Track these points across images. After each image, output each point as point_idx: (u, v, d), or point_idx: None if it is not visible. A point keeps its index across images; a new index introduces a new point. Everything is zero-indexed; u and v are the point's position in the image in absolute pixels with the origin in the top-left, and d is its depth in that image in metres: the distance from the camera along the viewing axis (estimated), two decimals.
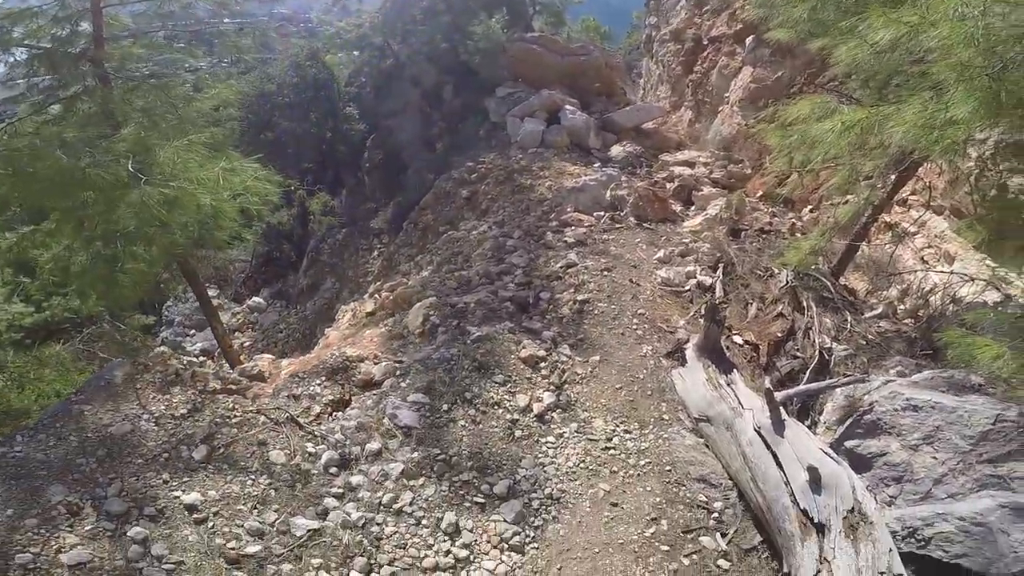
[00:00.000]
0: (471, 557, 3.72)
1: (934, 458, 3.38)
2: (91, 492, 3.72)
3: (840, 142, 4.28)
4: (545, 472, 4.23)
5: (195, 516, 3.68)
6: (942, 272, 5.19)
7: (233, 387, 4.85)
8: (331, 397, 4.90)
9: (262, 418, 4.47)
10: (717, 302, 5.86)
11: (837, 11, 4.52)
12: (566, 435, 4.52)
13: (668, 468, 4.22)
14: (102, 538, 3.50)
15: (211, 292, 11.60)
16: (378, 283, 9.88)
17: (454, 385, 4.88)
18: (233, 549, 3.54)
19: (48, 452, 3.93)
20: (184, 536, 3.60)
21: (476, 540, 3.82)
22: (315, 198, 13.71)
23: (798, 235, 7.35)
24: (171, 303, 14.18)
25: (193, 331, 13.43)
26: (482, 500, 4.02)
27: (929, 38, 3.16)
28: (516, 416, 4.66)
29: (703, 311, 5.40)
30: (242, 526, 3.68)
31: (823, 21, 4.77)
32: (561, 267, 6.72)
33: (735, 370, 4.89)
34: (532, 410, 4.73)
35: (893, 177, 5.39)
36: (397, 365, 5.31)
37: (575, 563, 3.65)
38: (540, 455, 4.38)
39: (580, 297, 6.10)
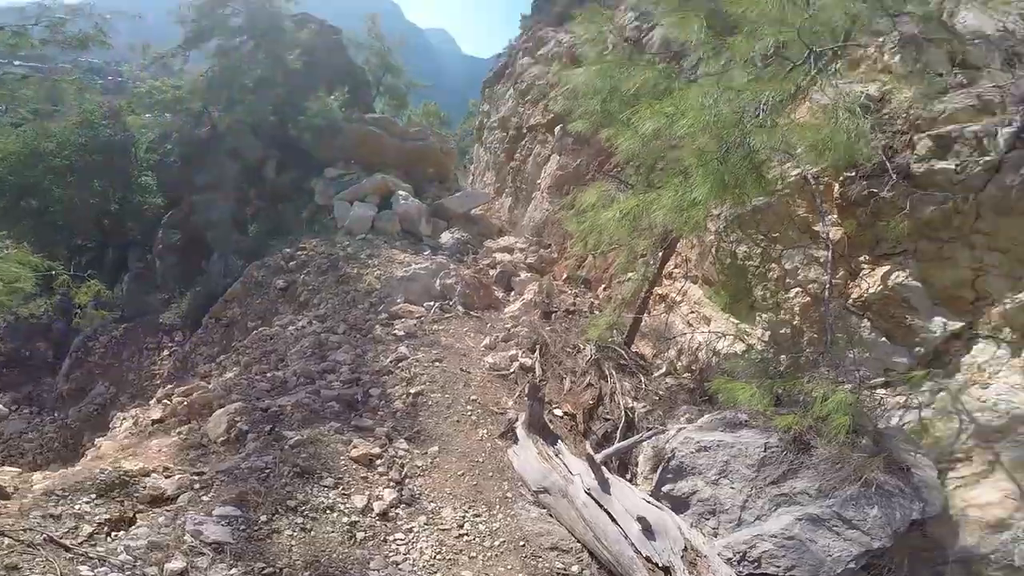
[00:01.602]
0: None
1: (732, 488, 4.01)
2: None
3: (619, 228, 5.17)
4: (400, 570, 3.96)
5: None
6: (703, 332, 6.37)
7: None
8: (107, 516, 4.05)
9: (7, 540, 3.50)
10: (537, 381, 6.37)
11: (621, 104, 5.30)
12: (415, 529, 4.34)
13: (522, 543, 4.28)
14: None
15: None
16: (168, 387, 8.48)
17: (272, 494, 4.38)
18: None
19: None
20: None
21: None
22: (84, 286, 11.34)
23: (596, 312, 8.41)
24: None
25: None
26: None
27: (680, 127, 3.99)
28: (355, 518, 4.34)
29: (526, 391, 5.80)
30: None
31: (611, 112, 5.53)
32: (392, 361, 6.68)
33: (560, 440, 5.30)
34: (373, 509, 4.46)
35: (660, 254, 6.60)
36: (195, 478, 4.64)
37: None
38: (391, 553, 4.09)
39: (413, 390, 6.11)
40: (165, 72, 12.87)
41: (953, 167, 4.17)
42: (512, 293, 9.69)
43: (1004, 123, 4.07)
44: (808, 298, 5.16)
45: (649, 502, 4.02)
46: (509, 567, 4.09)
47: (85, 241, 12.35)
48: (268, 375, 6.67)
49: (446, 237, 11.29)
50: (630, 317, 7.02)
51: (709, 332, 6.25)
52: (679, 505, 4.19)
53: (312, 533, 4.13)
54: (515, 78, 14.53)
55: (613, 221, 5.14)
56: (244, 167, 12.27)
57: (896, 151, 4.52)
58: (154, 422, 6.63)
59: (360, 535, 4.21)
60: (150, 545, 3.75)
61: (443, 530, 4.37)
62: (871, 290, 4.62)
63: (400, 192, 11.62)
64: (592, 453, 4.55)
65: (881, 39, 5.12)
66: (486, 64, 20.81)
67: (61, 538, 3.68)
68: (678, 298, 7.12)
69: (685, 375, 6.52)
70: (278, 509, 4.25)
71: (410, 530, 4.34)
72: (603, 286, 9.42)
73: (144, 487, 4.43)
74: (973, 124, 4.20)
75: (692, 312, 6.82)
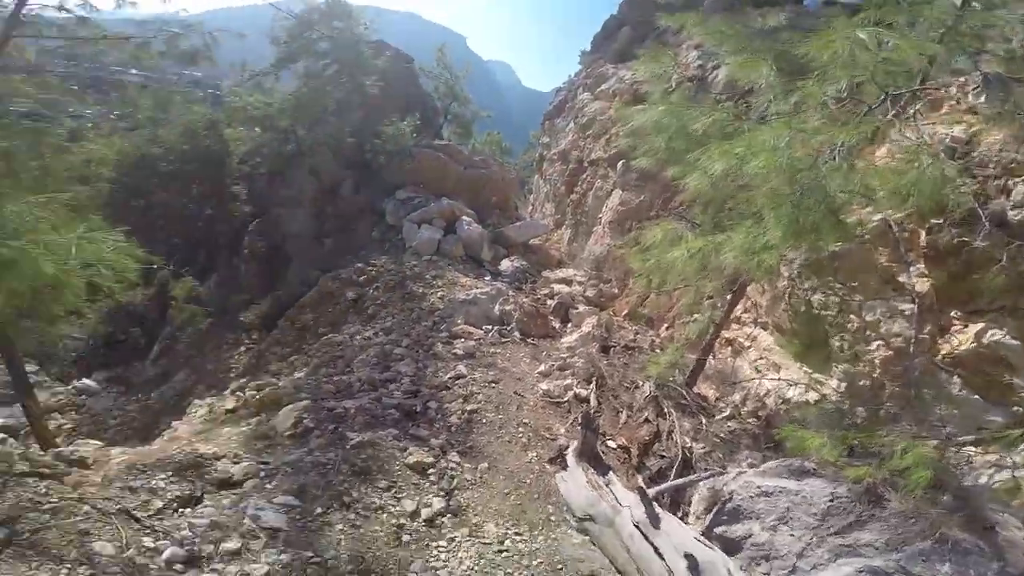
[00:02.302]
0: None
1: (791, 535, 3.79)
2: None
3: (687, 268, 5.05)
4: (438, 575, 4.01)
5: None
6: (772, 379, 6.11)
7: (47, 471, 4.14)
8: (178, 493, 4.34)
9: (85, 507, 3.81)
10: (592, 412, 6.31)
11: (688, 142, 5.21)
12: (458, 539, 4.39)
13: (560, 567, 4.23)
14: None
15: (30, 367, 9.76)
16: (243, 380, 9.04)
17: (330, 489, 4.58)
18: None
19: None
20: None
21: None
22: (180, 282, 12.41)
23: (658, 351, 8.24)
24: None
25: None
26: None
27: (752, 168, 3.90)
28: (403, 521, 4.45)
29: (580, 420, 5.76)
30: None
31: (676, 150, 5.44)
32: (450, 378, 6.86)
33: (611, 471, 5.20)
34: (420, 515, 4.56)
35: (728, 297, 6.42)
36: (262, 466, 4.90)
37: None
38: (431, 559, 4.16)
39: (469, 407, 6.24)
40: (258, 89, 13.83)
41: None
42: (569, 325, 9.69)
43: None
44: (890, 352, 4.84)
45: (699, 540, 3.86)
46: None
47: (181, 241, 13.41)
48: (335, 379, 6.97)
49: (506, 264, 11.52)
50: (693, 358, 6.83)
51: (779, 379, 5.99)
52: (731, 547, 4.00)
53: (361, 530, 4.26)
54: (575, 112, 14.72)
55: (681, 260, 5.03)
56: (323, 185, 13.02)
57: (989, 197, 4.24)
58: (227, 411, 7.03)
59: (405, 538, 4.30)
60: (211, 524, 4.00)
61: (484, 543, 4.39)
62: (963, 347, 4.29)
63: (464, 218, 11.99)
64: (644, 487, 4.45)
65: (963, 79, 4.87)
66: (546, 97, 21.26)
67: (134, 510, 3.98)
68: (746, 343, 6.88)
69: (750, 420, 6.24)
70: (333, 504, 4.43)
71: (453, 539, 4.39)
72: (666, 325, 9.23)
73: (215, 470, 4.72)
74: None
75: (761, 358, 6.56)
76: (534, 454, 5.66)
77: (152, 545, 3.72)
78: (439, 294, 9.41)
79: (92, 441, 6.21)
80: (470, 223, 11.92)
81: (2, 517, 3.50)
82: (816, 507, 3.85)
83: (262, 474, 4.73)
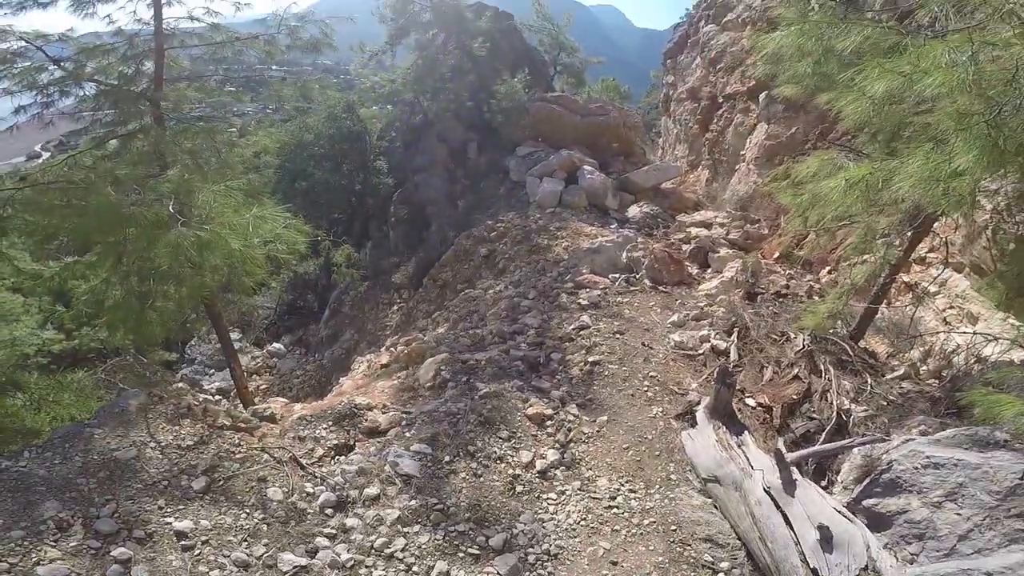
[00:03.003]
0: None
1: (958, 514, 3.16)
2: (85, 511, 3.72)
3: (846, 200, 4.25)
4: (544, 528, 4.09)
5: (183, 543, 3.66)
6: (965, 333, 5.02)
7: (243, 425, 4.86)
8: (336, 441, 4.90)
9: (265, 456, 4.46)
10: (730, 365, 5.77)
11: (839, 64, 4.46)
12: (568, 492, 4.41)
13: (673, 528, 4.05)
14: (85, 555, 3.49)
15: (233, 335, 11.84)
16: (395, 337, 9.96)
17: (458, 438, 4.85)
18: None
19: (51, 470, 3.96)
20: (168, 561, 3.56)
21: None
22: (340, 250, 14.02)
23: (816, 298, 7.23)
24: (194, 342, 14.56)
25: (212, 371, 13.68)
26: (477, 552, 3.88)
27: (924, 87, 3.15)
28: (518, 471, 4.57)
29: (715, 374, 5.32)
30: (228, 556, 3.62)
31: (827, 75, 4.71)
32: (574, 329, 6.75)
33: (746, 432, 4.76)
34: (535, 466, 4.64)
35: (909, 234, 5.34)
36: (404, 416, 5.34)
37: None
38: (540, 511, 4.25)
39: (591, 359, 6.10)
40: (379, 68, 14.68)
41: None
42: (709, 271, 8.95)
43: None
44: None
45: (841, 512, 3.38)
46: (651, 548, 3.90)
47: (338, 215, 14.96)
48: (470, 332, 7.28)
49: (634, 211, 10.98)
50: (861, 307, 5.87)
51: (974, 332, 4.91)
52: (879, 523, 3.45)
53: (481, 479, 4.46)
54: (701, 47, 13.29)
55: (837, 192, 4.27)
56: (451, 149, 13.51)
57: None
58: (382, 366, 7.78)
59: (519, 488, 4.42)
60: (359, 471, 4.42)
61: (594, 498, 4.34)
62: None
63: (585, 167, 11.65)
64: (783, 450, 3.99)
65: None
66: (663, 36, 19.25)
67: (301, 457, 4.54)
68: (932, 288, 5.72)
69: (930, 381, 5.26)
70: (460, 452, 4.69)
71: (563, 492, 4.41)
72: (828, 268, 8.08)
73: (366, 420, 5.21)
74: None
75: (952, 307, 5.45)
76: (659, 409, 5.37)
77: (311, 491, 4.24)
78: (563, 245, 9.32)
79: (280, 399, 7.29)
80: (591, 172, 11.56)
81: (205, 467, 4.20)
82: (998, 484, 3.12)
83: (404, 423, 5.13)
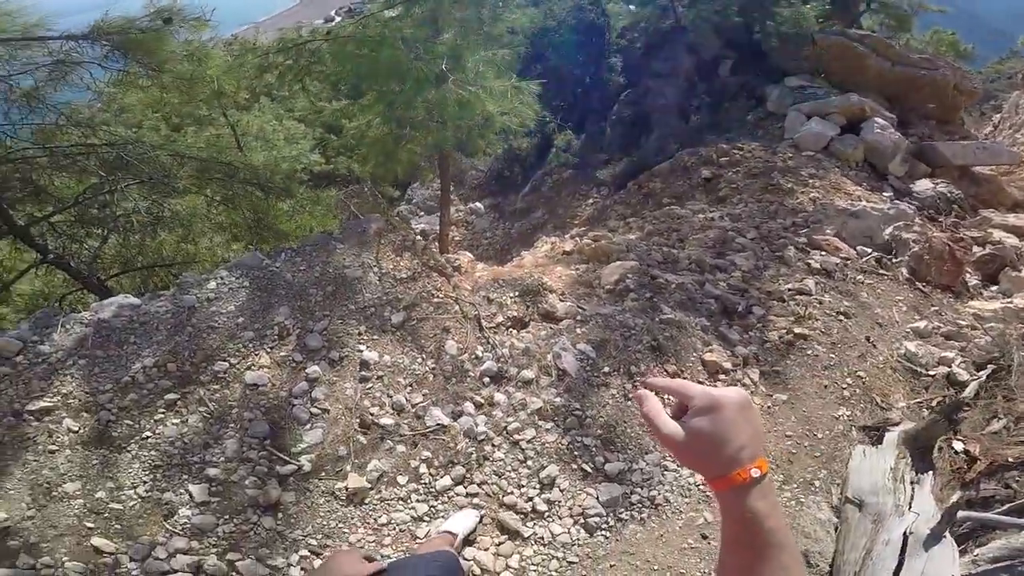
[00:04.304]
0: (546, 514, 3.66)
1: None
2: (303, 323, 4.02)
3: None
4: (663, 476, 3.96)
5: (363, 373, 3.92)
6: None
7: (445, 270, 5.16)
8: (514, 314, 4.98)
9: (457, 307, 4.69)
10: (962, 400, 4.77)
11: None
12: None
13: None
14: (286, 367, 3.81)
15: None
16: (583, 229, 10.03)
17: (624, 354, 4.69)
18: (372, 415, 3.74)
19: (295, 275, 4.30)
20: (343, 388, 3.81)
21: (560, 501, 3.74)
22: (563, 134, 14.27)
23: None
24: (416, 185, 16.34)
25: (422, 213, 15.43)
26: (589, 470, 3.92)
27: None
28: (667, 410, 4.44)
29: (938, 403, 4.50)
30: (391, 397, 3.88)
31: None
32: (790, 289, 5.94)
33: (931, 472, 4.04)
34: None
35: None
36: (580, 310, 5.29)
37: (629, 570, 3.44)
38: (669, 458, 4.10)
39: (798, 330, 5.39)
40: None
41: None
42: (994, 288, 7.12)
43: None
44: None
45: None
46: None
47: (560, 102, 15.00)
48: (664, 249, 6.89)
49: (924, 185, 8.89)
50: None
51: None
52: None
53: (629, 403, 4.31)
54: None
55: None
56: (699, 62, 12.46)
57: None
58: (564, 252, 7.87)
59: None
60: (524, 350, 4.53)
61: None
62: None
63: (877, 120, 9.52)
64: (959, 506, 3.37)
65: None
66: None
67: (481, 318, 4.70)
68: None
69: None
70: (620, 368, 4.56)
71: None
72: None
73: (546, 302, 5.20)
74: None
75: None
76: (847, 412, 4.72)
77: (479, 355, 4.41)
78: (812, 195, 8.02)
79: (467, 253, 7.92)
80: (884, 127, 9.43)
81: (407, 303, 4.38)
82: None
83: (578, 317, 5.06)
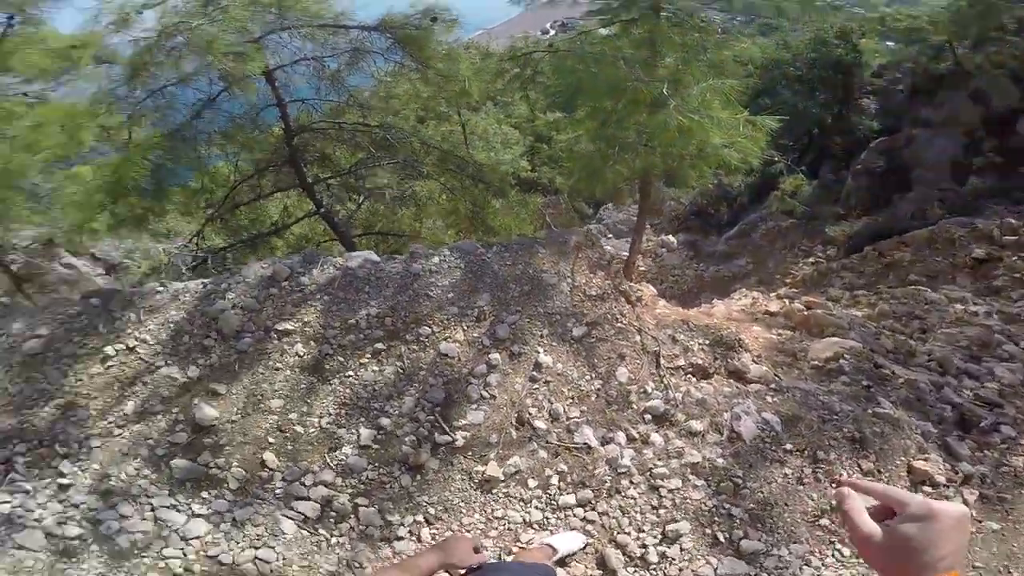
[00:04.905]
0: (653, 566, 3.42)
1: None
2: (499, 312, 4.25)
3: None
4: (800, 571, 3.44)
5: (534, 373, 4.05)
6: None
7: (632, 298, 5.09)
8: (699, 361, 4.69)
9: (638, 338, 4.58)
10: None
11: None
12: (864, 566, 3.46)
13: None
14: (474, 347, 4.10)
15: None
16: (796, 290, 8.97)
17: (815, 437, 4.09)
18: (529, 414, 3.84)
19: (500, 268, 4.58)
20: (514, 382, 3.94)
21: (675, 559, 3.45)
22: (792, 178, 12.99)
23: None
24: (610, 207, 16.23)
25: (611, 236, 15.30)
26: (722, 539, 3.55)
27: None
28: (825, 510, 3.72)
29: None
30: (551, 404, 3.96)
31: None
32: None
33: None
34: None
35: None
36: (776, 379, 4.77)
37: None
38: (816, 555, 3.55)
39: None
40: (901, 1, 12.38)
41: None
42: None
43: None
44: None
45: None
46: None
47: (792, 143, 13.71)
48: (897, 337, 5.92)
49: None
50: None
51: None
52: None
53: (801, 488, 3.80)
54: None
55: None
56: (987, 114, 10.51)
57: None
58: (767, 312, 7.16)
59: (823, 522, 3.68)
60: (699, 401, 4.23)
61: None
62: None
63: None
64: None
65: None
66: None
67: (661, 356, 4.50)
68: None
69: None
70: (805, 451, 4.02)
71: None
72: None
73: (738, 360, 4.77)
74: None
75: None
76: None
77: (649, 391, 4.24)
78: None
79: (650, 286, 7.59)
80: None
81: (591, 320, 4.47)
82: None
83: (772, 385, 4.62)
